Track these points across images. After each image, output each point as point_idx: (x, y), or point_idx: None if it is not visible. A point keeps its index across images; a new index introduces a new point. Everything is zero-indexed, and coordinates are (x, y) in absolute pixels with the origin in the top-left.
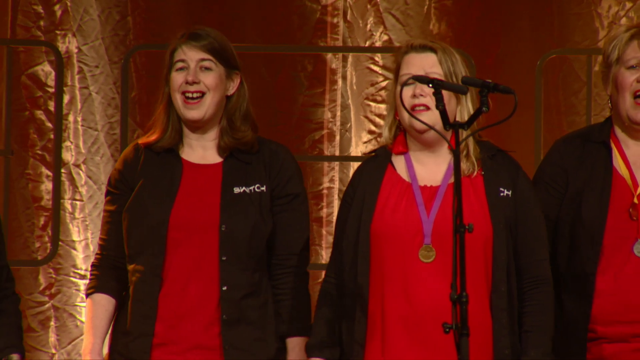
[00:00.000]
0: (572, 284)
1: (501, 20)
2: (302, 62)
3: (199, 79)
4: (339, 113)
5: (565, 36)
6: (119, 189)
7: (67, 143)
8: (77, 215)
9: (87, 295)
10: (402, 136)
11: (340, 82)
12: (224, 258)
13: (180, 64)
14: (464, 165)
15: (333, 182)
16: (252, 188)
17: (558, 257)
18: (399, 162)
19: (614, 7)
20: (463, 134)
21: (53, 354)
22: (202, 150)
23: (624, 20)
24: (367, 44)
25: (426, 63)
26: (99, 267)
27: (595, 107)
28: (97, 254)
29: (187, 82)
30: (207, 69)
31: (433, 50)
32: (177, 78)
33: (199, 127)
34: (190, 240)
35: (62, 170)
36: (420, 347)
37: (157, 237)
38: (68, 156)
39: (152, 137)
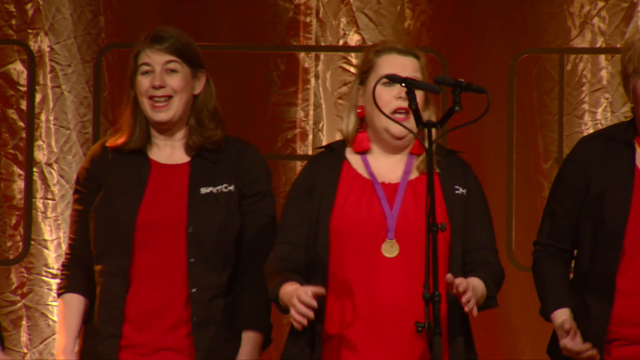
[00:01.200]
0: (594, 284)
1: (474, 19)
2: (274, 61)
3: (165, 82)
4: (311, 112)
5: (538, 35)
6: (87, 187)
7: (39, 142)
8: (49, 214)
9: (59, 295)
10: (365, 133)
11: (313, 81)
12: (192, 260)
13: (145, 67)
14: (422, 164)
15: None
16: (219, 188)
17: (580, 257)
18: (355, 158)
19: (586, 6)
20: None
21: (25, 354)
22: (170, 150)
23: (596, 20)
24: (340, 43)
25: (410, 66)
26: (69, 266)
27: (568, 107)
28: (67, 253)
29: (153, 87)
30: (173, 70)
31: (416, 56)
32: (143, 82)
33: (167, 128)
34: (157, 241)
35: (34, 170)
36: (383, 345)
37: (124, 237)
38: (40, 155)
39: (120, 140)
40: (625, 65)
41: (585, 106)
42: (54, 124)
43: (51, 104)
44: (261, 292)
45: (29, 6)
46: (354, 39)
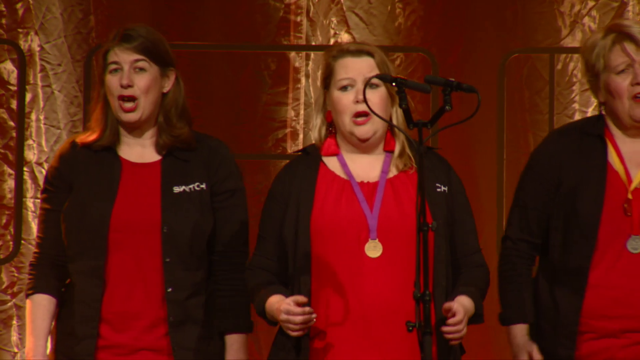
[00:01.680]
0: (565, 278)
1: (464, 19)
2: (265, 60)
3: (133, 82)
4: (302, 111)
5: (528, 35)
6: (56, 186)
7: (30, 141)
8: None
9: (27, 296)
10: (332, 138)
11: (303, 80)
12: (167, 259)
13: (113, 66)
14: (400, 162)
15: None
16: (191, 186)
17: (551, 250)
18: (330, 159)
19: (576, 5)
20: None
21: (15, 353)
22: (140, 149)
23: (586, 19)
24: (331, 42)
25: (364, 67)
26: (38, 266)
27: (558, 106)
28: (35, 252)
29: (121, 85)
30: (141, 69)
31: (370, 54)
32: (112, 81)
33: (136, 127)
34: (132, 241)
35: (25, 169)
36: (366, 341)
37: (98, 238)
38: (30, 155)
39: (91, 137)
40: (593, 64)
41: (576, 105)
42: (45, 124)
43: (41, 104)
44: (241, 293)
45: (19, 5)
46: (344, 38)
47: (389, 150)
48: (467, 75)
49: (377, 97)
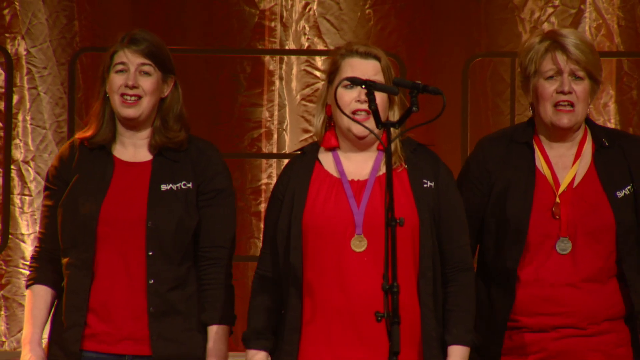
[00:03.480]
0: (498, 277)
1: (430, 25)
2: (241, 63)
3: (138, 83)
4: (276, 112)
5: (491, 40)
6: (56, 184)
7: (17, 141)
8: (26, 209)
9: (27, 286)
10: (332, 131)
11: (277, 83)
12: (150, 253)
13: (120, 67)
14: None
15: (271, 178)
16: (178, 185)
17: (485, 252)
18: (326, 158)
19: (536, 12)
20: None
21: (3, 342)
22: (133, 149)
23: (545, 25)
24: (305, 47)
25: (370, 70)
26: (38, 259)
27: (519, 108)
28: (36, 246)
29: (126, 86)
30: (146, 73)
31: (377, 58)
32: (117, 79)
33: (133, 125)
34: (119, 235)
35: (12, 167)
36: (354, 333)
37: (88, 231)
38: (17, 153)
39: (88, 133)
40: (525, 67)
41: None
42: (31, 124)
43: (28, 105)
44: (224, 287)
45: (6, 12)
46: (316, 43)
47: (382, 149)
48: (433, 78)
49: (378, 97)
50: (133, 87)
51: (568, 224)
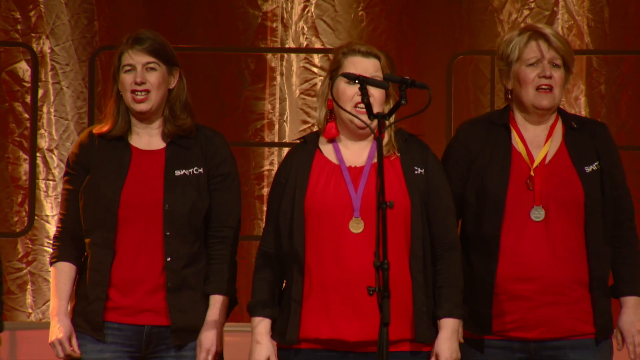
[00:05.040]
0: (479, 246)
1: (417, 26)
2: (245, 61)
3: (145, 79)
4: (277, 105)
5: (472, 39)
6: (76, 170)
7: (42, 131)
8: (50, 193)
9: (51, 264)
10: (333, 122)
11: (279, 78)
12: (167, 233)
13: (128, 67)
14: (384, 149)
15: (273, 164)
16: (191, 170)
17: (466, 223)
18: (326, 146)
19: (513, 14)
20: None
21: (30, 314)
22: (148, 138)
23: (522, 26)
24: (303, 45)
25: (371, 67)
26: (60, 238)
27: (498, 100)
28: (58, 227)
29: (135, 83)
30: (152, 69)
31: (377, 57)
32: (127, 79)
33: (146, 118)
34: (138, 217)
35: (38, 155)
36: (350, 306)
37: (109, 214)
38: (42, 142)
39: (105, 128)
40: (507, 55)
41: None
42: (55, 115)
43: (52, 98)
44: (228, 262)
45: (32, 13)
46: (314, 42)
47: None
48: (420, 74)
49: (377, 92)
50: (141, 83)
51: (541, 194)
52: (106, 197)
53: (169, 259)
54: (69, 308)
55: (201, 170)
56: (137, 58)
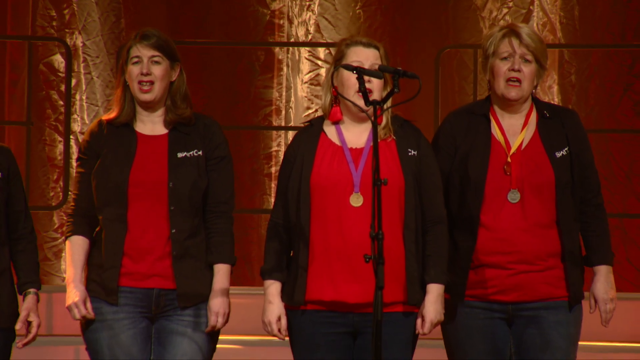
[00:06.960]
0: (461, 224)
1: (408, 23)
2: (256, 54)
3: (150, 71)
4: (284, 93)
5: (457, 34)
6: (87, 155)
7: (75, 116)
8: None
9: (66, 238)
10: (337, 107)
11: (285, 69)
12: (172, 208)
13: (135, 59)
14: (381, 132)
15: (280, 146)
16: (191, 153)
17: (450, 204)
18: (330, 129)
19: (494, 12)
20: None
21: (64, 278)
22: (151, 125)
23: (501, 22)
24: (309, 39)
25: (372, 56)
26: (74, 215)
27: (480, 90)
28: (71, 205)
29: (141, 74)
30: (157, 62)
31: (377, 47)
32: (134, 70)
33: (150, 106)
34: (146, 194)
35: (71, 137)
36: (350, 272)
37: (121, 192)
38: (75, 126)
39: (112, 115)
40: (486, 49)
41: None
42: (86, 102)
43: (84, 87)
44: (226, 234)
45: (66, 11)
46: (316, 37)
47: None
48: (411, 65)
49: (376, 81)
50: (147, 74)
51: (517, 179)
52: (117, 178)
53: (174, 231)
54: (82, 277)
55: (200, 152)
56: (143, 51)
